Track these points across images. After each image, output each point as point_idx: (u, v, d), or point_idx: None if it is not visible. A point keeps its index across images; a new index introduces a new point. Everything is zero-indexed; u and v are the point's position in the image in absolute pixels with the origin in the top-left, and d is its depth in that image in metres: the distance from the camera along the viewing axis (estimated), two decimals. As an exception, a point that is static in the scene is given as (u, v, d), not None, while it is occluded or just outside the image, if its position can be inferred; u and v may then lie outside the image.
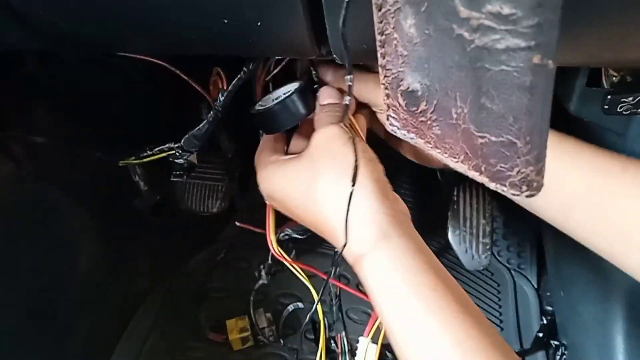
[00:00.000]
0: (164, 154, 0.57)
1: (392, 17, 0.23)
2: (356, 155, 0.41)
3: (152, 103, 0.73)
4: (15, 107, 0.62)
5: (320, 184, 0.43)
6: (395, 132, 0.30)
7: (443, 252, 0.89)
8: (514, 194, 0.23)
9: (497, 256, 0.89)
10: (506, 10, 0.17)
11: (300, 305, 0.81)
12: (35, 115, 0.64)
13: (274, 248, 0.54)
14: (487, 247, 0.77)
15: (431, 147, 0.27)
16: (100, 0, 0.38)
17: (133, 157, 0.61)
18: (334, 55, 0.42)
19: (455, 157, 0.26)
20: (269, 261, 0.60)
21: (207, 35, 0.41)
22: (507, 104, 0.20)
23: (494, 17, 0.17)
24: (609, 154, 0.47)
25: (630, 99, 0.50)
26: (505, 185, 0.23)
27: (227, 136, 0.67)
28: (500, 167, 0.23)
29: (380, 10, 0.24)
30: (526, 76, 0.18)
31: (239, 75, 0.53)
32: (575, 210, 0.48)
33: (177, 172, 0.58)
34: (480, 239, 0.74)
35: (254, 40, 0.41)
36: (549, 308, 0.83)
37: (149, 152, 0.58)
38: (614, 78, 0.53)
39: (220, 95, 0.54)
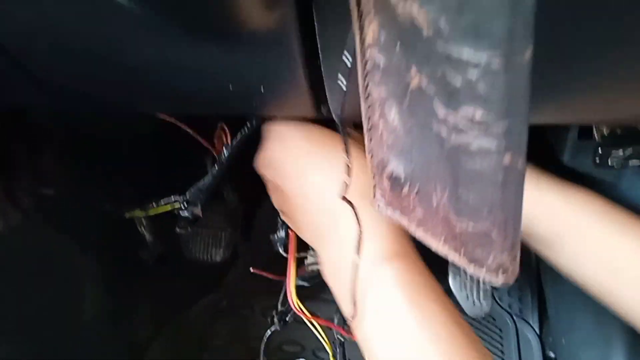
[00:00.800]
0: (169, 207, 0.59)
1: (378, 107, 0.25)
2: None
3: (159, 156, 0.75)
4: (24, 158, 0.64)
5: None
6: (382, 212, 0.32)
7: (445, 297, 0.89)
8: (490, 280, 0.24)
9: (498, 301, 0.89)
10: (478, 116, 0.18)
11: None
12: (44, 167, 0.66)
13: (294, 302, 0.53)
14: (488, 293, 0.77)
15: (414, 227, 0.29)
16: (113, 66, 0.40)
17: (139, 209, 0.62)
18: (334, 116, 0.44)
19: (436, 239, 0.27)
20: (280, 307, 0.60)
21: (213, 99, 0.44)
22: (482, 197, 0.21)
23: (468, 121, 0.19)
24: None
25: (620, 152, 0.52)
26: (482, 270, 0.24)
27: (230, 188, 0.68)
28: (477, 253, 0.24)
29: (367, 99, 0.26)
30: (498, 174, 0.19)
31: (242, 130, 0.55)
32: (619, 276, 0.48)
33: (182, 225, 0.60)
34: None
35: (257, 103, 0.43)
36: (552, 354, 0.83)
37: (155, 205, 0.60)
38: (605, 131, 0.54)
39: (224, 149, 0.56)
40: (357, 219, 0.32)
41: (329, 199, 0.44)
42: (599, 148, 0.51)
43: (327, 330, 0.57)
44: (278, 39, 0.35)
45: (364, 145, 0.30)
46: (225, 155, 0.56)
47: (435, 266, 0.41)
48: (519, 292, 0.90)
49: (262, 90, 0.40)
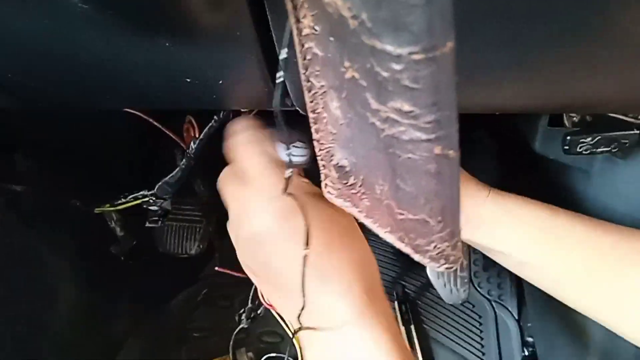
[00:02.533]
0: (137, 202, 0.58)
1: (321, 99, 0.25)
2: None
3: (129, 150, 0.74)
4: (-7, 156, 0.63)
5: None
6: (332, 200, 0.31)
7: (424, 287, 0.90)
8: (433, 267, 0.24)
9: (477, 288, 0.90)
10: (406, 107, 0.18)
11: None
12: (14, 165, 0.65)
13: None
14: (465, 280, 0.78)
15: (364, 217, 0.28)
16: (67, 64, 0.39)
17: (108, 205, 0.62)
18: (297, 107, 0.43)
19: (383, 228, 0.27)
20: (249, 304, 0.60)
21: (173, 93, 0.43)
22: (418, 187, 0.21)
23: (398, 112, 0.18)
24: (602, 229, 0.47)
25: (589, 139, 0.52)
26: (426, 258, 0.24)
27: (201, 182, 0.68)
28: (419, 241, 0.24)
29: (310, 91, 0.25)
30: (431, 164, 0.19)
31: (210, 124, 0.54)
32: (567, 288, 0.48)
33: (152, 219, 0.59)
34: (458, 272, 0.75)
35: (218, 96, 0.42)
36: (530, 339, 0.83)
37: (123, 200, 0.59)
38: (575, 118, 0.54)
39: (192, 143, 0.55)
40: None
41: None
42: (567, 136, 0.51)
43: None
44: (232, 33, 0.34)
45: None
46: (194, 148, 0.55)
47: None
48: (498, 279, 0.90)
49: (221, 84, 0.40)
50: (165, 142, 0.59)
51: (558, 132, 0.55)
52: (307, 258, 0.32)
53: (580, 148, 0.52)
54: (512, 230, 0.48)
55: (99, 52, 0.37)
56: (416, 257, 0.25)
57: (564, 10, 0.27)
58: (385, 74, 0.18)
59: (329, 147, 0.27)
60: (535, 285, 0.51)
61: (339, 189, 0.29)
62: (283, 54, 0.23)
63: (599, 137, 0.51)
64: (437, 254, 0.23)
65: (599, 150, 0.52)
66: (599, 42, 0.30)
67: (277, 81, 0.24)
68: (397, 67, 0.17)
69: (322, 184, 0.31)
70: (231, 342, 0.65)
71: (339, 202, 0.30)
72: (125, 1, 0.32)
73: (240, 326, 0.57)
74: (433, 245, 0.23)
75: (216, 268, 0.58)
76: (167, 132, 0.58)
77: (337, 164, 0.28)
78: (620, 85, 0.36)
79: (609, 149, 0.52)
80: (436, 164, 0.19)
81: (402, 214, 0.24)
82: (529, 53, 0.31)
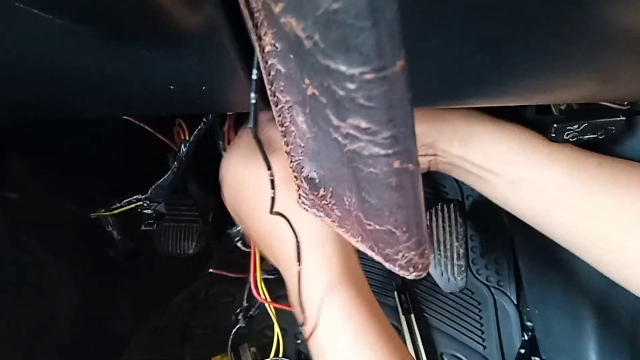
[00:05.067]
0: (132, 206, 0.59)
1: (288, 113, 0.25)
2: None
3: (123, 154, 0.75)
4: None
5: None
6: (307, 210, 0.32)
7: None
8: (404, 275, 0.24)
9: (476, 274, 0.90)
10: (363, 124, 0.18)
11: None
12: (8, 171, 0.66)
13: (259, 289, 0.54)
14: (462, 269, 0.78)
15: (336, 227, 0.29)
16: (48, 75, 0.40)
17: (103, 209, 0.62)
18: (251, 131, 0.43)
19: (355, 237, 0.27)
20: (245, 303, 0.61)
21: (158, 100, 0.43)
22: (382, 199, 0.21)
23: (356, 129, 0.19)
24: (586, 151, 0.48)
25: (576, 126, 0.52)
26: (395, 267, 0.25)
27: (195, 184, 0.68)
28: (388, 251, 0.24)
29: (277, 106, 0.26)
30: (391, 177, 0.20)
31: (199, 126, 0.55)
32: (551, 209, 0.48)
33: (147, 222, 0.60)
34: (455, 261, 0.75)
35: (202, 101, 0.43)
36: (529, 324, 0.84)
37: (118, 205, 0.60)
38: (562, 106, 0.54)
39: (182, 145, 0.56)
40: (293, 229, 0.31)
41: (266, 216, 0.43)
42: (554, 124, 0.51)
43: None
44: (209, 38, 0.34)
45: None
46: (184, 151, 0.56)
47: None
48: (497, 265, 0.91)
49: (204, 90, 0.40)
50: (157, 145, 0.59)
51: (545, 120, 0.55)
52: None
53: (567, 135, 0.52)
54: (506, 147, 0.49)
55: (81, 63, 0.38)
56: (387, 266, 0.26)
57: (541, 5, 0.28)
58: (341, 93, 0.18)
59: (299, 159, 0.28)
60: (522, 213, 0.51)
61: (312, 199, 0.30)
62: (254, 74, 0.23)
63: (586, 124, 0.51)
64: (405, 262, 0.24)
65: (586, 137, 0.52)
66: (580, 32, 0.31)
67: (252, 102, 0.24)
68: (351, 86, 0.17)
69: (296, 195, 0.32)
70: (229, 342, 0.65)
71: (312, 211, 0.31)
72: (98, 14, 0.32)
73: (238, 325, 0.58)
74: (401, 254, 0.24)
75: (210, 270, 0.59)
76: (159, 136, 0.58)
77: (307, 176, 0.28)
78: (606, 77, 0.36)
79: (596, 135, 0.52)
80: (397, 177, 0.19)
81: (370, 225, 0.24)
82: (511, 48, 0.32)
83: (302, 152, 0.27)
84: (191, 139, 0.55)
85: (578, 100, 0.50)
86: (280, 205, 0.30)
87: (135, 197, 0.58)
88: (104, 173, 0.72)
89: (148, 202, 0.57)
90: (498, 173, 0.50)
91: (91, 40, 0.35)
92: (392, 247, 0.24)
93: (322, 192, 0.28)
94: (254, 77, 0.23)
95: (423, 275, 0.25)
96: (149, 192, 0.57)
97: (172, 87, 0.40)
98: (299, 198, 0.31)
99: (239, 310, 0.58)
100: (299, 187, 0.30)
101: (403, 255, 0.23)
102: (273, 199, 0.27)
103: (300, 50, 0.19)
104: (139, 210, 0.58)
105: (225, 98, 0.43)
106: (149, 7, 0.31)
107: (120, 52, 0.36)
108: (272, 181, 0.26)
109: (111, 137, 0.72)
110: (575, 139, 0.52)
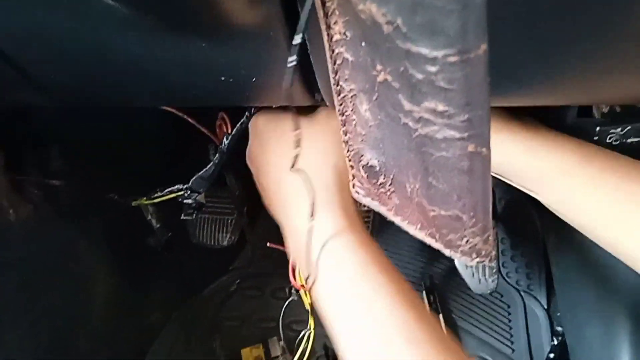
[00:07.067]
0: (173, 195, 0.60)
1: (350, 102, 0.26)
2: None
3: (163, 145, 0.76)
4: (31, 152, 0.65)
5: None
6: (360, 200, 0.32)
7: (451, 277, 0.90)
8: (465, 261, 0.25)
9: (506, 278, 0.90)
10: (440, 107, 0.19)
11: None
12: (51, 159, 0.68)
13: (295, 275, 0.54)
14: (494, 270, 0.78)
15: (393, 215, 0.29)
16: (104, 65, 0.41)
17: (145, 198, 0.64)
18: (327, 103, 0.44)
19: (414, 225, 0.28)
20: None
21: (206, 92, 0.44)
22: (451, 184, 0.22)
23: (432, 113, 0.19)
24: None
25: (619, 129, 0.52)
26: (457, 253, 0.25)
27: (233, 176, 0.69)
28: (451, 237, 0.25)
29: (339, 95, 0.26)
30: (464, 161, 0.20)
31: (242, 120, 0.56)
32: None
33: (187, 211, 0.61)
34: (486, 262, 0.75)
35: (251, 94, 0.44)
36: (559, 329, 0.83)
37: (160, 193, 0.61)
38: (604, 109, 0.54)
39: (225, 138, 0.57)
40: (310, 186, 0.32)
41: (285, 172, 0.46)
42: (597, 127, 0.51)
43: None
44: (265, 32, 0.35)
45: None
46: (226, 144, 0.56)
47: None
48: (527, 269, 0.90)
49: (254, 82, 0.41)
50: (197, 137, 0.60)
51: (587, 123, 0.55)
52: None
53: (609, 139, 0.52)
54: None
55: (135, 51, 0.39)
56: (447, 252, 0.26)
57: (588, 8, 0.28)
58: (419, 76, 0.19)
59: (358, 147, 0.28)
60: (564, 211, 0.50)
61: (368, 188, 0.30)
62: (297, 39, 0.24)
63: (629, 128, 0.51)
64: (469, 248, 0.24)
65: (629, 140, 0.52)
66: (624, 36, 0.31)
67: (289, 65, 0.25)
68: (432, 69, 0.18)
69: (350, 184, 0.32)
70: (280, 318, 0.65)
71: (366, 200, 0.31)
72: (163, 5, 0.34)
73: (291, 298, 0.58)
74: (465, 240, 0.24)
75: (268, 244, 0.60)
76: (201, 128, 0.59)
77: (367, 164, 0.29)
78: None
79: (639, 139, 0.51)
80: (469, 161, 0.20)
81: (434, 211, 0.25)
82: (556, 49, 0.32)
83: (362, 140, 0.28)
84: (233, 132, 0.56)
85: (622, 102, 0.49)
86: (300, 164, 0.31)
87: (176, 186, 0.59)
88: (142, 163, 0.74)
89: (189, 192, 0.59)
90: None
91: (151, 32, 0.36)
92: (456, 233, 0.24)
93: (381, 179, 0.28)
94: (298, 41, 0.24)
95: (485, 262, 0.25)
96: (191, 182, 0.58)
97: (222, 79, 0.41)
98: (353, 187, 0.32)
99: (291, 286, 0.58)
100: (354, 176, 0.31)
101: (467, 241, 0.24)
102: (297, 156, 0.28)
103: (376, 36, 0.20)
104: (180, 200, 0.60)
105: (272, 91, 0.44)
106: (213, 1, 0.32)
107: (177, 43, 0.37)
108: (299, 140, 0.27)
109: (151, 128, 0.74)
110: (617, 142, 0.52)
